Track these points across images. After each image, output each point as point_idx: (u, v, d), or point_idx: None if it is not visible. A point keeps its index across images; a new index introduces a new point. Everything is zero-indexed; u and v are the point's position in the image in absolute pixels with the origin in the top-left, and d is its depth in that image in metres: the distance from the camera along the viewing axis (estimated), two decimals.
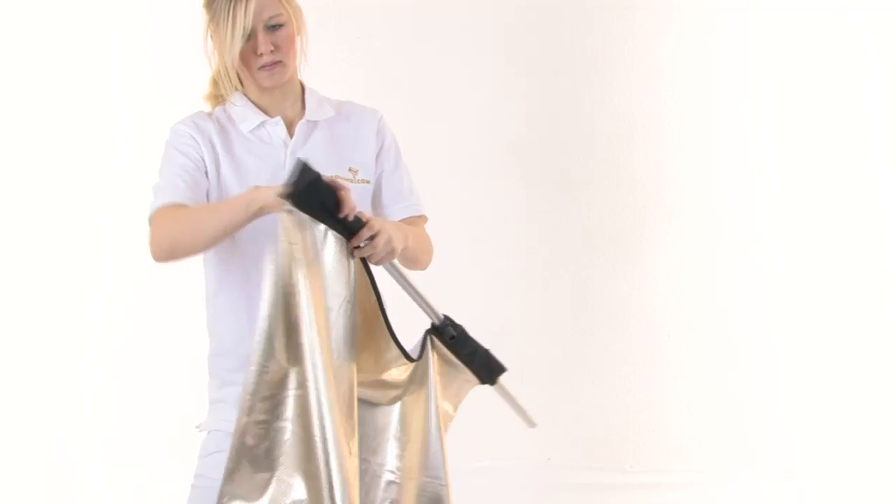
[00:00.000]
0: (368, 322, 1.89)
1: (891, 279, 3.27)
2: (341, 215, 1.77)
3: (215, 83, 2.08)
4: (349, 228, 1.80)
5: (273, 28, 1.99)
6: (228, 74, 2.01)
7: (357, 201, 2.03)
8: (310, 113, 2.08)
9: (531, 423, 2.20)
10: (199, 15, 2.08)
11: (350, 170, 2.08)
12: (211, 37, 2.02)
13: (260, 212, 1.79)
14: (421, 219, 2.16)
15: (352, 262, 1.83)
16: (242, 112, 2.05)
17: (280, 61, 1.99)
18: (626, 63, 3.36)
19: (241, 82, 2.08)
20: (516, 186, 3.36)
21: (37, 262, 3.23)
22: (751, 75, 3.33)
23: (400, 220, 2.09)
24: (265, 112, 2.05)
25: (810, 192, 3.31)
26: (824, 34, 3.27)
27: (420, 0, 3.35)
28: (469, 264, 3.25)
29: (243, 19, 1.95)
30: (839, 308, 3.29)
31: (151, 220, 1.94)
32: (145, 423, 3.28)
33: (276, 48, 1.98)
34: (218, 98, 2.10)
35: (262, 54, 1.97)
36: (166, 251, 1.90)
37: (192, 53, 2.10)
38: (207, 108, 2.11)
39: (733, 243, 3.34)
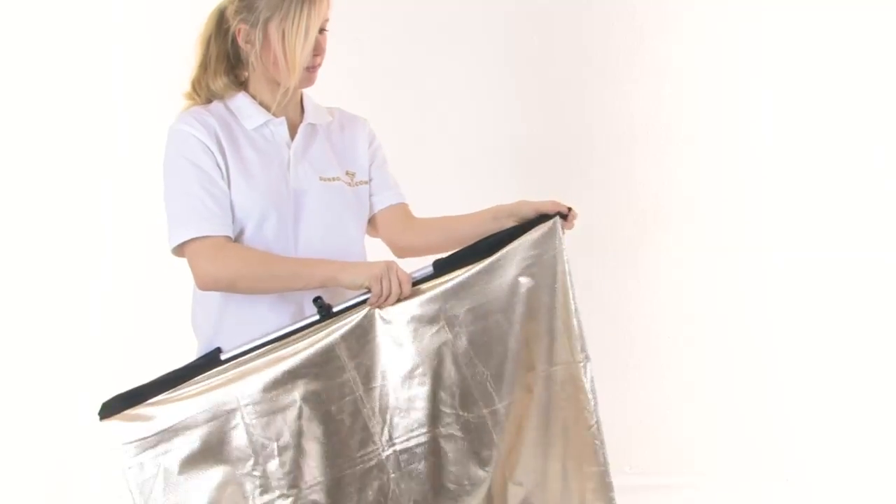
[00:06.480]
0: None
1: (891, 282, 3.27)
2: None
3: (217, 77, 2.05)
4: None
5: (322, 31, 2.01)
6: (292, 70, 1.95)
7: (355, 202, 2.06)
8: (310, 116, 2.11)
9: None
10: (199, 15, 2.08)
11: (347, 173, 2.12)
12: (265, 30, 1.96)
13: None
14: (406, 205, 2.22)
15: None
16: (247, 109, 2.04)
17: (321, 63, 2.03)
18: (626, 65, 3.36)
19: (238, 82, 2.07)
20: (515, 189, 3.34)
21: (36, 261, 3.22)
22: (751, 77, 3.33)
23: (392, 206, 2.17)
24: (269, 112, 2.05)
25: (811, 195, 3.31)
26: (826, 35, 3.27)
27: (419, 2, 3.34)
28: None
29: (318, 18, 1.96)
30: (840, 310, 3.30)
31: (192, 249, 1.92)
32: None
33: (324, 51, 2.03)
34: (205, 95, 2.06)
35: (318, 55, 2.00)
36: (224, 283, 1.92)
37: (191, 52, 2.09)
38: (184, 103, 2.08)
39: (734, 245, 3.35)
